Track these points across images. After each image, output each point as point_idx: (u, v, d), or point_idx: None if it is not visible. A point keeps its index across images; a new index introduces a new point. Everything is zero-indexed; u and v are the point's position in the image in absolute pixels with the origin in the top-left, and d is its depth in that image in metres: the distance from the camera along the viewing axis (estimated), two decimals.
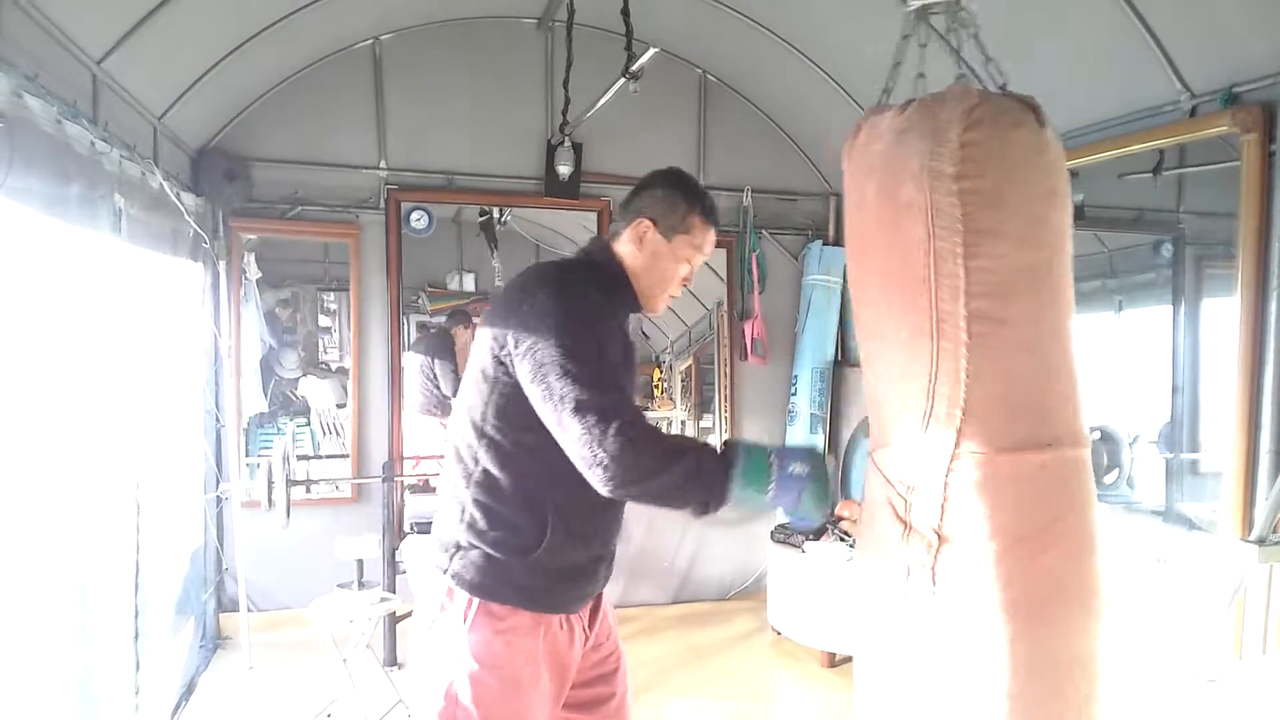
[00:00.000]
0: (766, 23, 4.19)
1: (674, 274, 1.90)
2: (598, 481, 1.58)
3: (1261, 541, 2.01)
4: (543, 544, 1.72)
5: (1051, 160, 1.52)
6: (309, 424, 4.66)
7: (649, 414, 5.28)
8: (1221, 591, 2.10)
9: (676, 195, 1.87)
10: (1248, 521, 2.49)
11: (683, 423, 5.34)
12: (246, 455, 4.24)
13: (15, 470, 2.21)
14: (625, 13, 3.30)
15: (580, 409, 1.57)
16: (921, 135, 1.47)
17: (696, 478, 1.58)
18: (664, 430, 1.94)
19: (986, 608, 1.44)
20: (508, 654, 1.72)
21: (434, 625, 1.76)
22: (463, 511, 1.74)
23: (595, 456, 1.56)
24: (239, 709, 3.57)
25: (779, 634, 4.35)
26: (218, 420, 4.18)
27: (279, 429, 4.43)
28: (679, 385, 5.40)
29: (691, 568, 5.00)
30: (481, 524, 1.72)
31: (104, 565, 2.67)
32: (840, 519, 4.51)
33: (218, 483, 4.08)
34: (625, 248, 1.88)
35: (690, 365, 5.34)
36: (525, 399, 1.66)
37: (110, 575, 2.68)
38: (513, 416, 1.70)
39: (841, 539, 4.16)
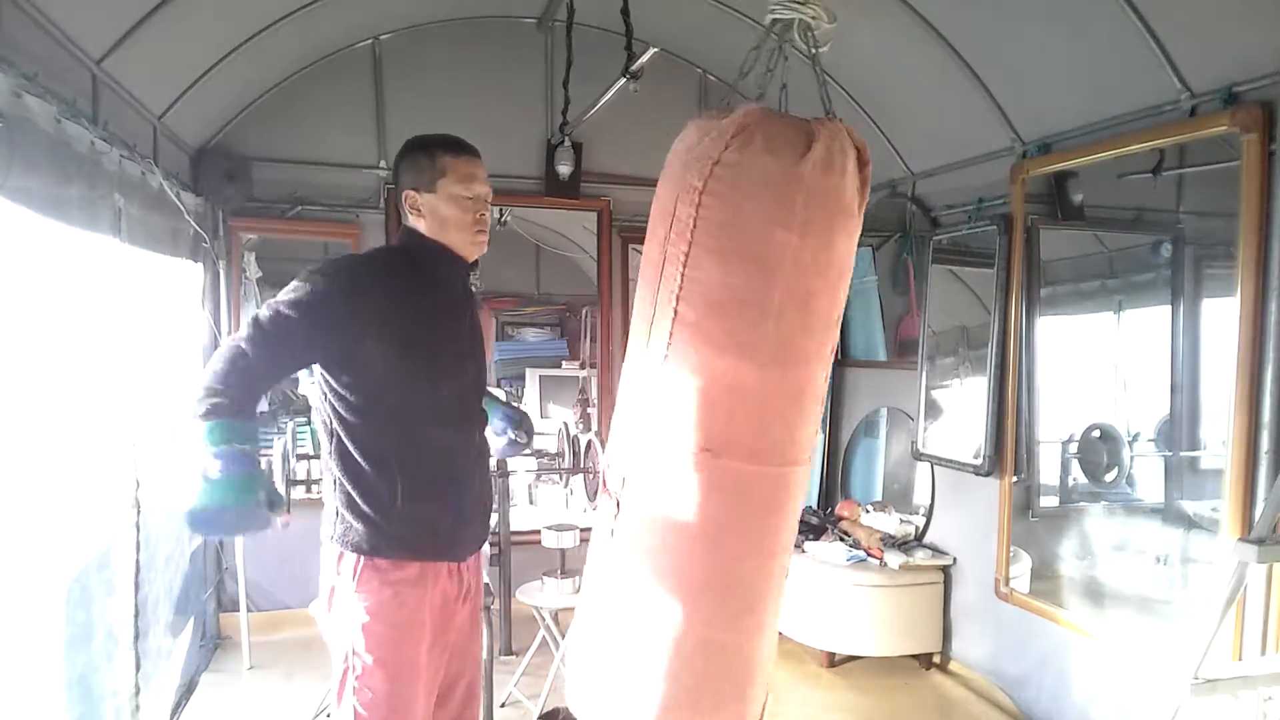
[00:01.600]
0: (766, 22, 4.18)
1: (461, 215, 1.96)
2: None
3: (1261, 541, 2.01)
4: (398, 496, 1.87)
5: (795, 194, 1.54)
6: (309, 423, 4.65)
7: None
8: (1221, 591, 2.10)
9: (415, 154, 1.99)
10: (1247, 521, 2.49)
11: None
12: None
13: (16, 470, 2.21)
14: (625, 12, 3.30)
15: (252, 320, 1.77)
16: (688, 147, 1.61)
17: (207, 398, 1.69)
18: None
19: (634, 570, 1.69)
20: (396, 604, 1.88)
21: (332, 594, 1.92)
22: (334, 483, 1.90)
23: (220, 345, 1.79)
24: (239, 708, 3.57)
25: (778, 634, 4.34)
26: None
27: (279, 429, 4.42)
28: None
29: None
30: (346, 488, 1.88)
31: (104, 565, 2.67)
32: (840, 518, 4.53)
33: None
34: (418, 224, 1.99)
35: None
36: (338, 367, 1.85)
37: (110, 575, 2.68)
38: (337, 385, 1.86)
39: (841, 539, 4.16)
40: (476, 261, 2.07)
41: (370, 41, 4.40)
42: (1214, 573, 2.69)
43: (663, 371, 1.62)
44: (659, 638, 1.66)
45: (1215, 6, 2.58)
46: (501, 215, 4.81)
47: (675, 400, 1.61)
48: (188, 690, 3.66)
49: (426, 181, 1.95)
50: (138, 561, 2.73)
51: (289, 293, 1.80)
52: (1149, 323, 3.64)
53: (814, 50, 1.70)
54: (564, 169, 4.55)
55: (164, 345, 3.44)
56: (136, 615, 2.72)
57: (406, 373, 1.88)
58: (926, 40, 3.37)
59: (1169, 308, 3.42)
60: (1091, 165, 3.21)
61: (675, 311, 1.58)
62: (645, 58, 3.20)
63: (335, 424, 1.89)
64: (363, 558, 1.87)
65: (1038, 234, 3.51)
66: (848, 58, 4.10)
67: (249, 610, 4.07)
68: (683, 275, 1.57)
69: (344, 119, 4.39)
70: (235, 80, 3.86)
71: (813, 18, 1.66)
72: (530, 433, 2.47)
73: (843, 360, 4.94)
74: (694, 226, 1.56)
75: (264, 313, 1.78)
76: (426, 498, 1.91)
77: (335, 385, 1.87)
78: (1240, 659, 2.48)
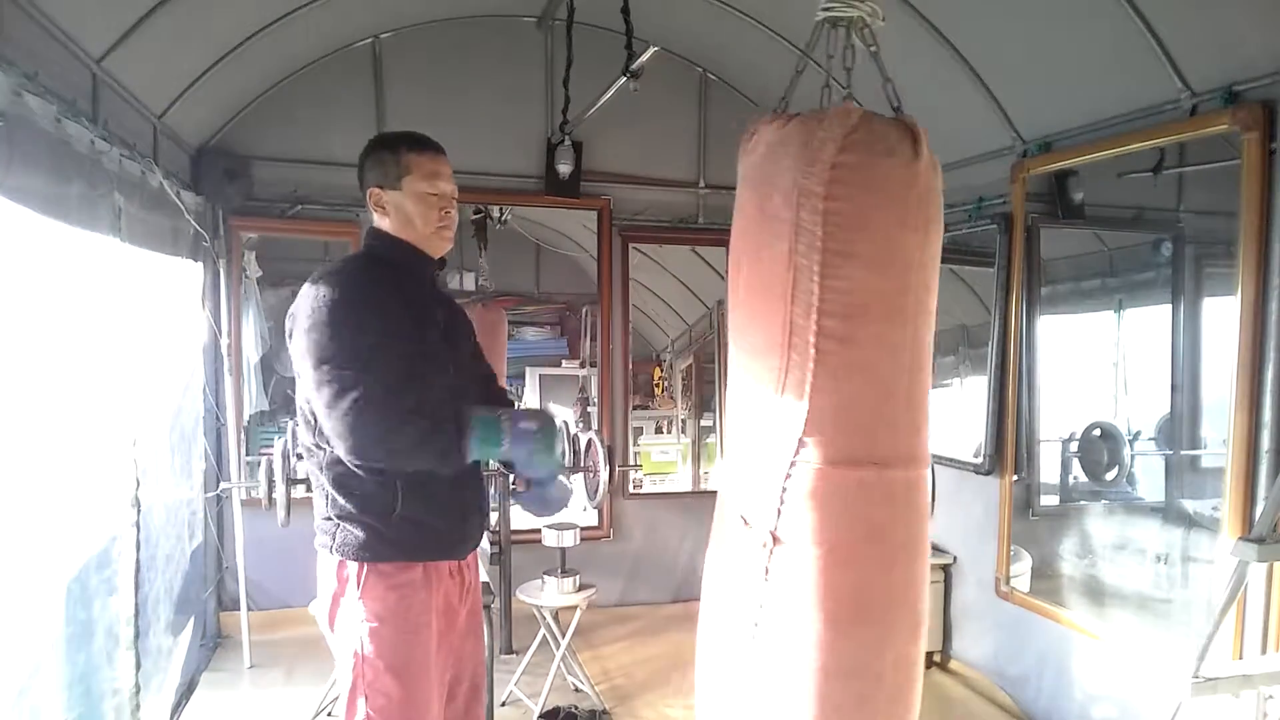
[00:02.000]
0: (766, 21, 4.18)
1: (427, 211, 1.95)
2: (342, 452, 1.77)
3: (1262, 540, 2.01)
4: (398, 500, 1.86)
5: (920, 192, 1.53)
6: (299, 426, 4.66)
7: (649, 412, 5.28)
8: (1221, 591, 2.09)
9: (379, 152, 1.98)
10: (1248, 520, 2.48)
11: (683, 421, 5.35)
12: (247, 454, 4.24)
13: (16, 469, 2.21)
14: (625, 11, 3.30)
15: (323, 387, 1.75)
16: (795, 152, 1.52)
17: (431, 437, 1.76)
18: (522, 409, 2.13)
19: (805, 608, 1.54)
20: (403, 607, 1.87)
21: (335, 603, 1.90)
22: (326, 496, 1.89)
23: (335, 429, 1.74)
24: (239, 707, 3.57)
25: None
26: (218, 419, 4.19)
27: (279, 428, 4.42)
28: (679, 384, 5.40)
29: (692, 566, 5.00)
30: (342, 500, 1.87)
31: (104, 563, 2.67)
32: None
33: (218, 481, 4.08)
34: (383, 223, 1.98)
35: (690, 364, 5.34)
36: None
37: (110, 574, 2.68)
38: None
39: None
40: (444, 259, 2.06)
41: (370, 41, 4.39)
42: (1214, 572, 2.68)
43: (814, 389, 1.52)
44: (853, 668, 1.56)
45: (1215, 6, 2.58)
46: (501, 214, 4.81)
47: (833, 418, 1.52)
48: (188, 689, 3.66)
49: (391, 179, 1.94)
50: (138, 560, 2.73)
51: (325, 331, 1.77)
52: (1149, 321, 3.64)
53: (872, 48, 1.68)
54: (564, 168, 4.55)
55: (164, 345, 3.44)
56: (137, 614, 2.72)
57: (399, 375, 1.84)
58: (927, 39, 3.37)
59: (1169, 307, 3.42)
60: (1092, 164, 3.21)
61: (818, 325, 1.49)
62: (645, 57, 3.19)
63: (323, 439, 1.86)
64: (365, 564, 1.86)
65: (1038, 233, 3.51)
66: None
67: (249, 609, 4.07)
68: (820, 286, 1.49)
69: (344, 118, 4.39)
70: (235, 80, 3.86)
71: (869, 14, 1.64)
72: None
73: None
74: (823, 234, 1.48)
75: (336, 376, 1.74)
76: (426, 499, 1.89)
77: None
78: (1241, 658, 2.47)
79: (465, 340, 2.13)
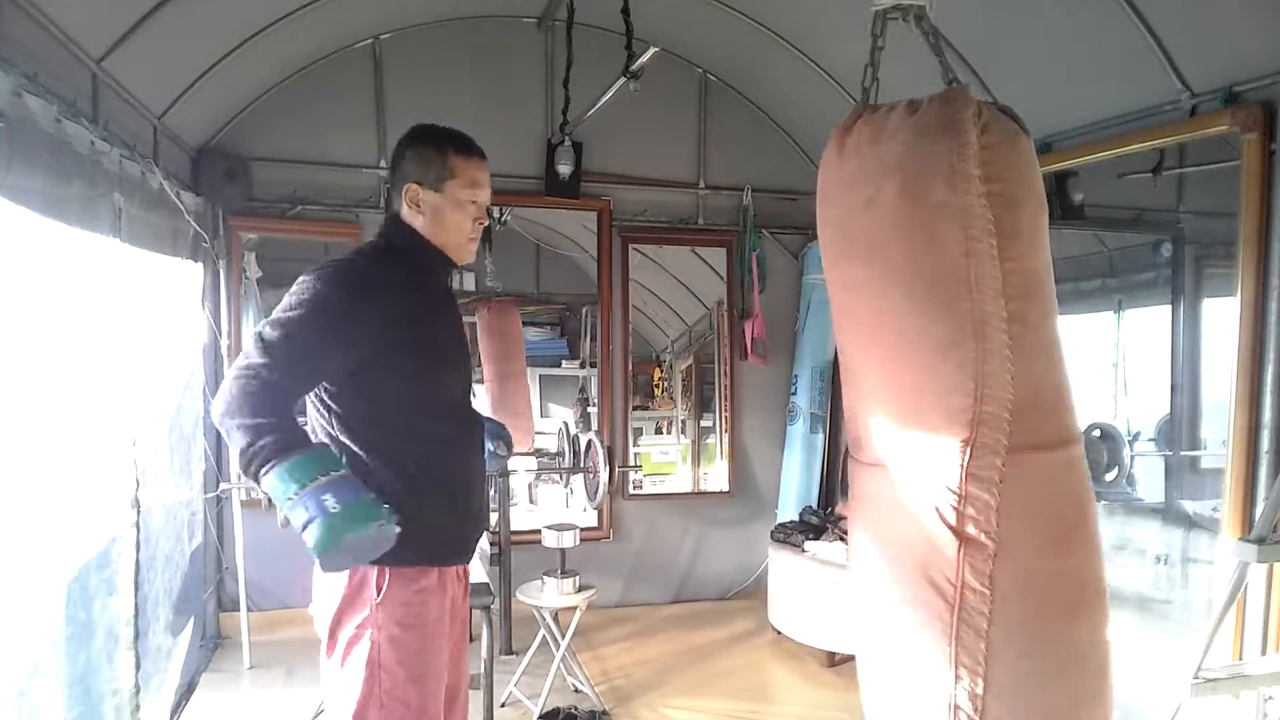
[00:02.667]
0: (766, 22, 4.18)
1: (462, 220, 1.91)
2: (214, 401, 1.65)
3: (1262, 541, 2.01)
4: (422, 503, 1.79)
5: (1038, 168, 1.57)
6: (309, 423, 4.66)
7: (649, 412, 5.28)
8: (1221, 591, 2.10)
9: (423, 147, 1.90)
10: (1248, 521, 2.48)
11: (683, 422, 5.34)
12: None
13: (16, 469, 2.21)
14: (625, 12, 3.30)
15: (257, 339, 1.65)
16: (944, 135, 1.45)
17: (256, 440, 1.58)
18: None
19: (1036, 614, 1.47)
20: (424, 611, 1.81)
21: (345, 608, 1.80)
22: None
23: (225, 378, 1.64)
24: (239, 708, 3.57)
25: (779, 634, 4.35)
26: None
27: None
28: (679, 384, 5.40)
29: (692, 567, 5.00)
30: None
31: (104, 564, 2.67)
32: (841, 518, 4.52)
33: (218, 482, 4.08)
34: (413, 219, 1.90)
35: (690, 365, 5.34)
36: (353, 378, 1.76)
37: (110, 574, 2.68)
38: (346, 394, 1.79)
39: (842, 538, 4.16)
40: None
41: (370, 41, 4.39)
42: (1214, 572, 2.68)
43: (1016, 376, 1.47)
44: (1085, 660, 1.53)
45: (1215, 6, 2.58)
46: (501, 214, 4.81)
47: (1031, 402, 1.47)
48: (188, 689, 3.65)
49: (432, 179, 1.87)
50: (138, 561, 2.72)
51: (297, 305, 1.68)
52: (1149, 322, 3.64)
53: (931, 38, 1.67)
54: (564, 169, 4.55)
55: (164, 345, 3.44)
56: (136, 614, 2.71)
57: (420, 376, 1.83)
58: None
59: (1169, 307, 3.42)
60: (1092, 164, 3.21)
61: (1008, 311, 1.46)
62: (645, 57, 3.19)
63: (346, 438, 1.80)
64: (387, 569, 1.78)
65: None
66: (846, 56, 4.10)
67: (249, 610, 4.07)
68: (1001, 270, 1.45)
69: (344, 119, 4.39)
70: (235, 80, 3.86)
71: (925, 4, 1.64)
72: (510, 445, 2.42)
73: None
74: (993, 217, 1.45)
75: (269, 331, 1.65)
76: (447, 500, 1.87)
77: (347, 397, 1.79)
78: (1241, 658, 2.47)
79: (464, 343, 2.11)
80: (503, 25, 4.56)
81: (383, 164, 4.43)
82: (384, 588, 1.78)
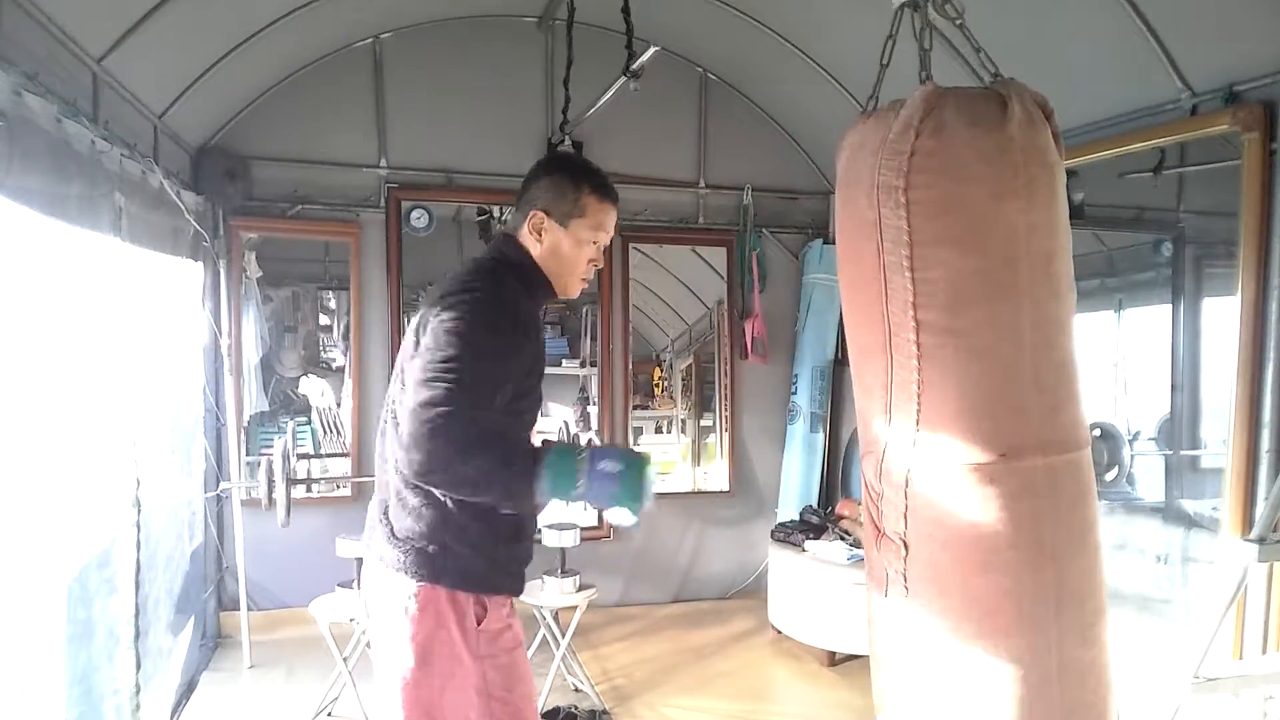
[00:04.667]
0: (767, 21, 4.18)
1: (579, 259, 1.87)
2: (403, 465, 1.59)
3: (1262, 540, 2.01)
4: (510, 531, 1.77)
5: (1014, 156, 1.45)
6: (309, 423, 4.66)
7: (649, 412, 5.28)
8: (1221, 590, 2.09)
9: (563, 180, 1.85)
10: (1248, 520, 2.49)
11: (683, 421, 5.35)
12: (247, 454, 4.24)
13: (16, 469, 2.21)
14: (626, 11, 3.29)
15: (421, 394, 1.58)
16: (872, 149, 1.47)
17: (502, 470, 1.58)
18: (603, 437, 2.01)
19: (948, 614, 1.45)
20: (513, 637, 1.80)
21: (438, 636, 1.72)
22: (426, 515, 1.73)
23: (404, 440, 1.57)
24: (239, 708, 3.57)
25: (779, 633, 4.35)
26: (218, 419, 4.19)
27: (279, 428, 4.43)
28: (679, 384, 5.40)
29: (692, 567, 5.00)
30: (459, 521, 1.71)
31: (104, 563, 2.67)
32: (841, 517, 4.52)
33: (218, 481, 4.08)
34: (530, 244, 1.85)
35: (690, 364, 5.34)
36: None
37: (111, 574, 2.68)
38: None
39: (842, 538, 4.16)
40: None
41: (370, 41, 4.39)
42: (1214, 572, 2.68)
43: (925, 389, 1.45)
44: (1007, 678, 1.45)
45: (1216, 6, 2.58)
46: (502, 214, 4.81)
47: (951, 414, 1.44)
48: (188, 689, 3.66)
49: (562, 213, 1.83)
50: (138, 560, 2.73)
51: (468, 331, 1.63)
52: (1149, 321, 3.64)
53: (959, 21, 1.63)
54: None
55: (164, 345, 3.44)
56: (137, 614, 2.72)
57: (521, 401, 1.78)
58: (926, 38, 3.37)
59: (1169, 307, 3.42)
60: (1092, 164, 3.21)
61: (917, 321, 1.43)
62: (646, 57, 3.19)
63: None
64: (484, 595, 1.74)
65: None
66: (846, 56, 4.10)
67: (249, 609, 4.07)
68: (913, 280, 1.42)
69: (344, 118, 4.39)
70: (235, 80, 3.86)
71: None
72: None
73: (842, 359, 4.93)
74: (909, 227, 1.43)
75: (437, 386, 1.58)
76: (526, 528, 1.85)
77: None
78: (1241, 658, 2.47)
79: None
80: (503, 25, 4.56)
81: (383, 163, 4.44)
82: (483, 615, 1.74)
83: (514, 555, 1.83)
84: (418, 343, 1.70)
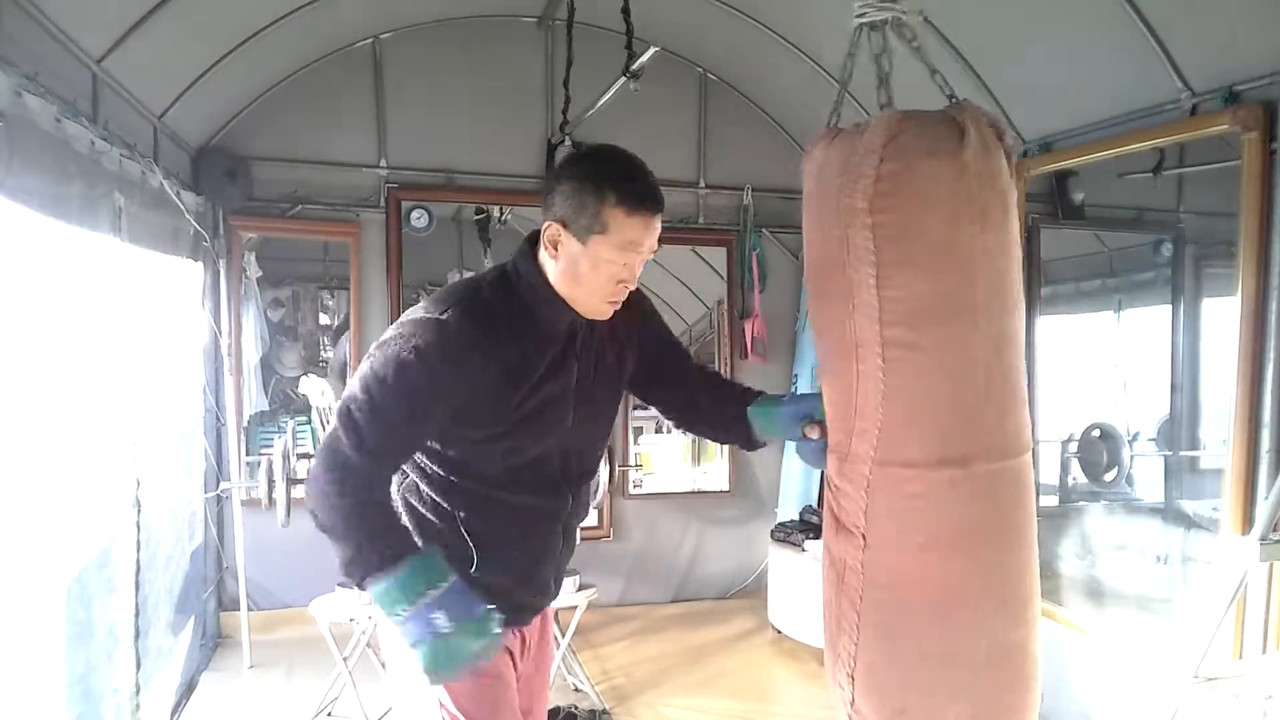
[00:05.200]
0: (767, 21, 4.18)
1: (601, 282, 1.57)
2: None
3: (1262, 540, 2.01)
4: (472, 557, 1.64)
5: (969, 183, 1.51)
6: (309, 422, 4.66)
7: (649, 412, 5.28)
8: (1221, 590, 2.10)
9: (585, 186, 1.54)
10: (1248, 520, 2.49)
11: None
12: (247, 454, 4.24)
13: (15, 469, 2.21)
14: (626, 11, 3.29)
15: (340, 421, 1.49)
16: (839, 170, 1.53)
17: (360, 552, 1.50)
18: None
19: (897, 601, 1.57)
20: (492, 668, 1.64)
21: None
22: (425, 524, 1.69)
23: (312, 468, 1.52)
24: (239, 708, 3.57)
25: (779, 633, 4.35)
26: (218, 419, 4.19)
27: (280, 428, 4.43)
28: None
29: (691, 566, 5.00)
30: (435, 533, 1.66)
31: (104, 563, 2.67)
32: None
33: (218, 481, 4.08)
34: (546, 261, 1.59)
35: None
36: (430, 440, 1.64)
37: (110, 573, 2.68)
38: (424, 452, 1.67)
39: None
40: None
41: (370, 41, 4.39)
42: (1214, 572, 2.69)
43: (886, 396, 1.52)
44: (948, 659, 1.57)
45: (1216, 6, 2.58)
46: (502, 214, 4.81)
47: (908, 423, 1.53)
48: (188, 689, 3.66)
49: (580, 227, 1.53)
50: (138, 560, 2.73)
51: (388, 375, 1.48)
52: (1149, 322, 3.65)
53: (915, 44, 1.68)
54: None
55: (164, 345, 3.44)
56: (137, 614, 2.72)
57: (494, 439, 1.62)
58: (927, 38, 3.37)
59: (1169, 307, 3.43)
60: (1092, 164, 3.21)
61: (883, 336, 1.50)
62: (646, 57, 3.19)
63: (414, 470, 1.69)
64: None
65: (1038, 233, 3.50)
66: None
67: (249, 609, 4.07)
68: (879, 297, 1.49)
69: (344, 118, 4.39)
70: (235, 80, 3.86)
71: (904, 12, 1.64)
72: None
73: None
74: (874, 249, 1.48)
75: (359, 412, 1.47)
76: (500, 562, 1.68)
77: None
78: (1240, 658, 2.48)
79: (611, 378, 1.81)
80: (503, 25, 4.56)
81: (383, 163, 4.44)
82: None
83: (479, 586, 1.61)
84: None
